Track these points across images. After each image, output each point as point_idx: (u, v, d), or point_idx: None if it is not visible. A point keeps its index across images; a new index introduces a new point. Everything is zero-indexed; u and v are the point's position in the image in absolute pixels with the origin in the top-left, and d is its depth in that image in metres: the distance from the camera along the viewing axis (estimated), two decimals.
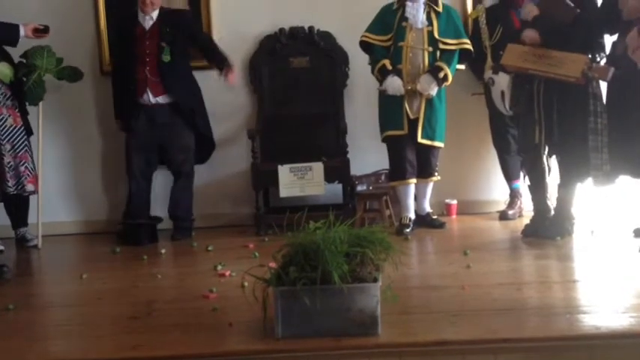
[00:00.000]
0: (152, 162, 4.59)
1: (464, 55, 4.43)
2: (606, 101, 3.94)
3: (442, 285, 3.23)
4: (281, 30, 4.85)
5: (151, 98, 4.46)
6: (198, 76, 4.83)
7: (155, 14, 4.50)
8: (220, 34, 4.81)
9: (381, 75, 4.30)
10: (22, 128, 4.46)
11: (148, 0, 4.41)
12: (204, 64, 4.83)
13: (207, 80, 4.87)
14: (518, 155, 4.47)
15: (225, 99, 4.90)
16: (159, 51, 4.43)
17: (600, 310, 2.78)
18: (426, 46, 4.32)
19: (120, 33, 4.56)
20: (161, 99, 4.47)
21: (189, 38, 4.56)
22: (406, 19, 4.31)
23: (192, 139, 4.59)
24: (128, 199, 4.61)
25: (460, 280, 3.26)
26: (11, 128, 4.40)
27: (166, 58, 4.43)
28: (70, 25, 4.75)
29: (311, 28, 4.85)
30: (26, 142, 4.47)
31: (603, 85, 3.93)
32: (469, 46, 4.40)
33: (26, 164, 4.45)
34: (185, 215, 4.63)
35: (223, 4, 4.85)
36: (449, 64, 4.32)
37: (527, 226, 4.16)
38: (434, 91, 4.30)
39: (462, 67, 4.53)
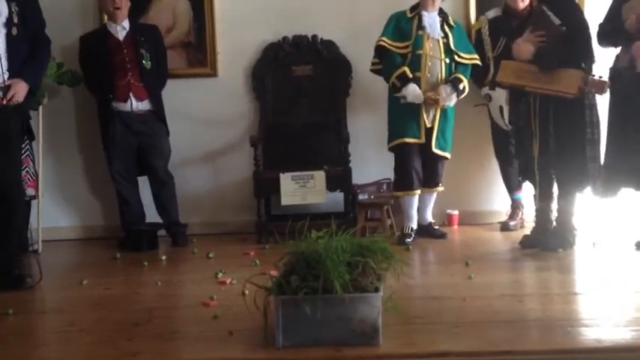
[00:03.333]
0: (131, 166, 4.60)
1: (471, 70, 4.46)
2: (608, 113, 3.95)
3: (443, 296, 3.22)
4: (284, 38, 4.86)
5: (134, 103, 4.48)
6: (202, 83, 4.86)
7: (126, 25, 4.55)
8: (221, 47, 4.84)
9: (401, 82, 4.30)
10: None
11: (118, 3, 4.43)
12: (208, 72, 4.86)
13: (210, 87, 4.90)
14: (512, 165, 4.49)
15: (227, 107, 4.92)
16: (139, 58, 4.48)
17: (602, 323, 2.76)
18: (442, 56, 4.34)
19: (91, 49, 4.55)
20: (142, 105, 4.51)
21: (155, 52, 4.59)
22: (423, 28, 4.32)
23: (169, 144, 4.63)
24: (119, 206, 4.62)
25: (461, 291, 3.25)
26: None
27: (147, 64, 4.49)
28: (70, 29, 4.75)
29: (314, 37, 4.86)
30: (28, 146, 4.47)
31: (602, 97, 3.94)
32: (479, 62, 4.45)
33: (27, 169, 4.45)
34: (179, 220, 4.66)
35: (227, 12, 4.87)
36: (465, 77, 4.37)
37: (525, 237, 4.15)
38: (452, 102, 4.34)
39: None
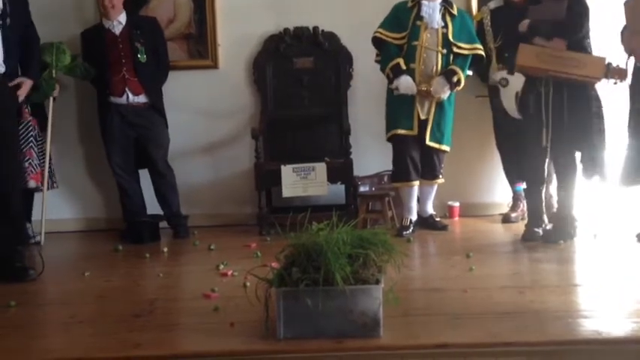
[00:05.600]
0: (130, 159, 4.60)
1: (474, 61, 4.42)
2: (629, 106, 3.93)
3: (444, 287, 3.23)
4: (285, 30, 4.85)
5: (130, 98, 4.49)
6: (202, 75, 4.85)
7: (123, 18, 4.53)
8: (222, 39, 4.83)
9: (394, 73, 4.27)
10: (30, 124, 4.47)
11: (108, 3, 4.43)
12: (208, 64, 4.85)
13: (211, 79, 4.89)
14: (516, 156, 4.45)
15: (228, 98, 4.92)
16: (134, 52, 4.48)
17: (602, 315, 2.77)
18: (440, 47, 4.30)
19: (90, 44, 4.56)
20: (138, 98, 4.51)
21: (154, 44, 4.58)
22: (421, 18, 4.29)
23: (167, 135, 4.63)
24: (120, 198, 4.64)
25: (462, 283, 3.25)
26: None
27: (142, 58, 4.49)
28: (71, 21, 4.74)
29: (315, 29, 4.85)
30: (32, 137, 4.47)
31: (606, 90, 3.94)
32: (482, 52, 4.39)
33: (30, 160, 4.46)
34: (180, 212, 4.66)
35: (228, 4, 4.86)
36: (462, 69, 4.32)
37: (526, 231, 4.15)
38: (446, 94, 4.30)
39: (469, 72, 4.47)
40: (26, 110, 4.46)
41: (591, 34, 3.99)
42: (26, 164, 4.43)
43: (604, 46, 4.08)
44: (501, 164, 4.76)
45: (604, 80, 3.82)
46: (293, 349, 2.53)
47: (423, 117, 4.32)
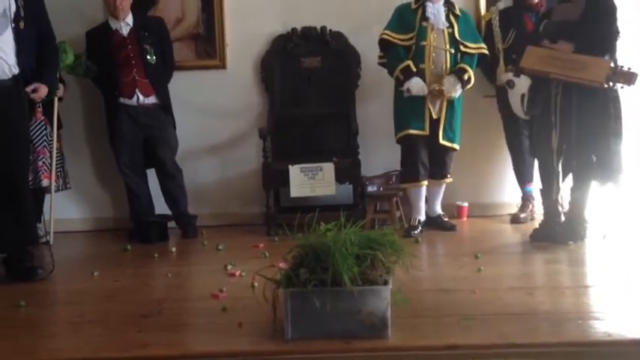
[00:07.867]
0: (139, 159, 4.61)
1: (479, 59, 4.43)
2: None
3: (453, 288, 3.21)
4: (293, 30, 4.84)
5: (140, 99, 4.50)
6: (210, 75, 4.85)
7: (130, 20, 4.54)
8: (229, 39, 4.83)
9: (404, 76, 4.27)
10: (42, 123, 4.48)
11: (118, 3, 4.43)
12: (216, 64, 4.85)
13: (219, 79, 4.89)
14: (532, 157, 4.44)
15: (236, 98, 4.92)
16: (143, 53, 4.48)
17: (612, 316, 2.75)
18: (447, 47, 4.31)
19: (96, 44, 4.56)
20: (148, 99, 4.52)
21: (161, 45, 4.59)
22: (427, 19, 4.29)
23: (176, 136, 4.64)
24: (128, 198, 4.64)
25: (471, 284, 3.24)
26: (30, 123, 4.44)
27: (152, 59, 4.50)
28: (76, 20, 4.74)
29: (323, 29, 4.84)
30: (45, 137, 4.49)
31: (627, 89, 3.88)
32: (486, 51, 4.42)
33: (44, 159, 4.48)
34: (188, 212, 4.67)
35: (236, 4, 4.85)
36: (471, 67, 4.34)
37: (535, 230, 4.12)
38: (457, 92, 4.31)
39: None
40: (39, 110, 4.48)
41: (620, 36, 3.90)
42: (40, 163, 4.46)
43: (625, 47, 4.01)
44: (511, 164, 4.74)
45: (609, 84, 3.73)
46: (301, 350, 2.52)
47: (435, 116, 4.31)
